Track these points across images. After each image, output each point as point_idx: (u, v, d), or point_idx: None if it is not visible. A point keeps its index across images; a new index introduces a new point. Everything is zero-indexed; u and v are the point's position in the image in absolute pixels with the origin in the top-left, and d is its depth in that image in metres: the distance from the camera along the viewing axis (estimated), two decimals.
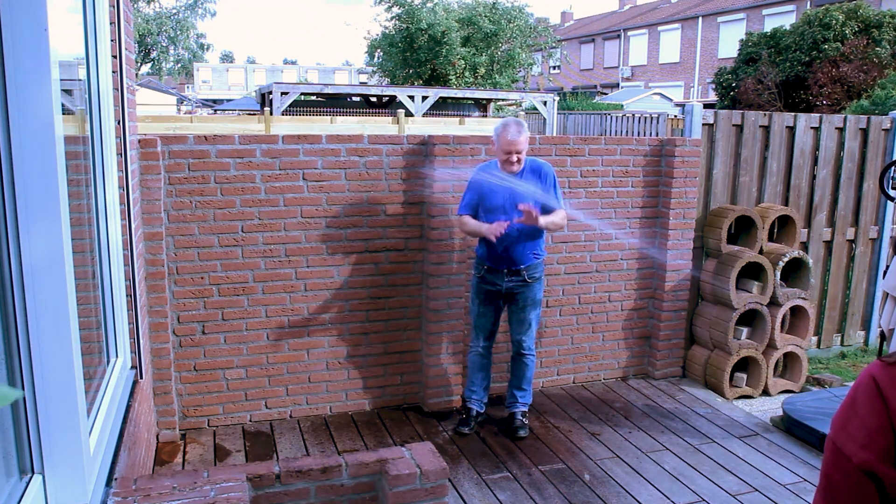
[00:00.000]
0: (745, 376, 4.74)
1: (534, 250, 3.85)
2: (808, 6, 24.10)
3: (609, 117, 16.53)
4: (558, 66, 37.87)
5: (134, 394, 2.99)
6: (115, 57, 2.89)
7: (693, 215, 4.74)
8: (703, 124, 4.90)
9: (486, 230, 3.67)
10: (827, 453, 1.34)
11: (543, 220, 3.65)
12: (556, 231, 4.16)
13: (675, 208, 4.65)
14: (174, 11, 41.84)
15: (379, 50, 27.15)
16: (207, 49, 48.09)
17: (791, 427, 4.10)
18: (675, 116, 14.52)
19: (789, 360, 4.88)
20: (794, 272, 4.85)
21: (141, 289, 3.39)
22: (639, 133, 14.84)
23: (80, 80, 2.58)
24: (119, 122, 2.97)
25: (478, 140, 4.29)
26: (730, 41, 28.20)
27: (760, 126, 5.08)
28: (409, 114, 15.31)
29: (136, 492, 2.16)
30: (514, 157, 3.66)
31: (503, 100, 21.07)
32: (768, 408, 4.54)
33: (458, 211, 3.90)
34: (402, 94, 17.21)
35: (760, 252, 4.77)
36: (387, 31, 25.72)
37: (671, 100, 25.53)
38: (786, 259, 4.66)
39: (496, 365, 4.38)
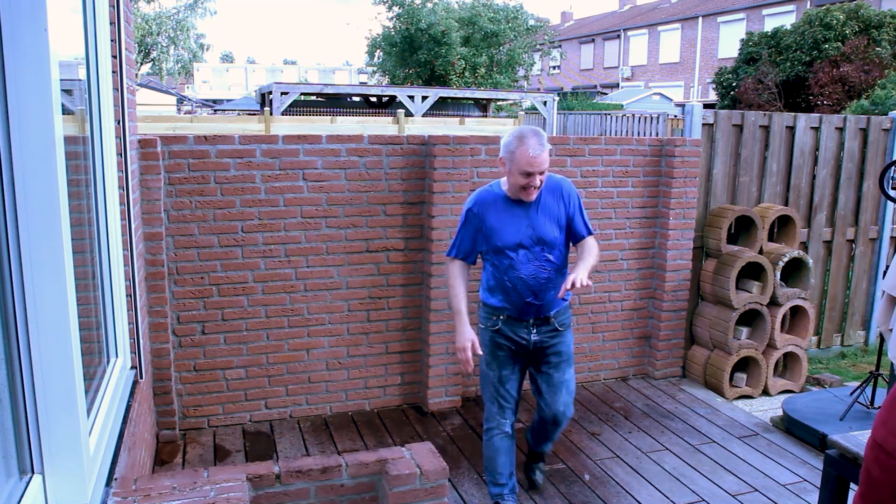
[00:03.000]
0: (745, 376, 4.75)
1: (560, 275, 3.00)
2: (809, 6, 24.10)
3: (609, 117, 16.53)
4: (558, 66, 37.88)
5: (134, 394, 2.99)
6: (115, 57, 2.89)
7: (693, 215, 4.74)
8: (703, 124, 4.90)
9: (460, 343, 2.88)
10: (867, 451, 1.35)
11: (587, 276, 2.77)
12: None
13: (675, 208, 4.65)
14: (174, 11, 41.83)
15: (379, 50, 27.18)
16: (207, 49, 48.07)
17: (791, 427, 4.10)
18: (675, 116, 14.52)
19: (789, 360, 4.88)
20: (794, 272, 4.85)
21: (141, 289, 3.39)
22: (639, 133, 14.83)
23: (80, 80, 2.58)
24: (119, 122, 2.97)
25: (478, 140, 4.29)
26: (730, 41, 28.20)
27: (760, 126, 5.08)
28: (409, 114, 15.32)
29: (136, 492, 2.16)
30: (537, 181, 2.78)
31: (503, 100, 21.08)
32: (768, 408, 4.54)
33: (449, 252, 3.04)
34: (402, 94, 17.21)
35: (760, 252, 4.77)
36: (387, 31, 25.74)
37: (671, 100, 25.53)
38: (786, 259, 4.66)
39: None
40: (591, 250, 2.94)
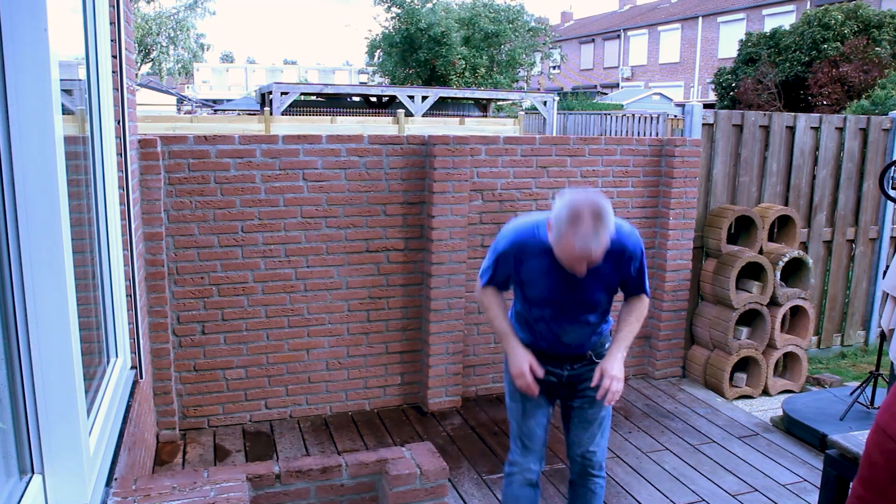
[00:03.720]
0: (744, 376, 4.75)
1: (599, 327, 2.59)
2: (808, 6, 24.11)
3: (609, 117, 16.52)
4: (558, 66, 37.91)
5: (134, 394, 2.99)
6: (115, 57, 2.89)
7: (693, 215, 4.74)
8: (703, 124, 4.90)
9: (517, 369, 2.47)
10: (870, 436, 1.37)
11: (621, 364, 2.45)
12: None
13: (675, 208, 4.65)
14: (174, 11, 41.85)
15: (379, 50, 27.19)
16: (207, 49, 48.10)
17: (791, 427, 4.10)
18: (675, 116, 14.51)
19: (789, 360, 4.88)
20: (794, 272, 4.85)
21: (141, 289, 3.39)
22: (639, 133, 14.83)
23: (80, 80, 2.58)
24: (119, 122, 2.97)
25: (478, 140, 4.29)
26: (730, 41, 28.21)
27: (760, 126, 5.08)
28: (409, 114, 15.33)
29: (136, 492, 2.16)
30: (584, 267, 2.25)
31: (503, 100, 21.10)
32: (768, 408, 4.54)
33: (482, 280, 2.59)
34: (402, 94, 17.22)
35: (760, 252, 4.77)
36: (387, 32, 25.76)
37: (671, 100, 25.53)
38: (786, 259, 4.66)
39: None
40: (637, 311, 2.56)
